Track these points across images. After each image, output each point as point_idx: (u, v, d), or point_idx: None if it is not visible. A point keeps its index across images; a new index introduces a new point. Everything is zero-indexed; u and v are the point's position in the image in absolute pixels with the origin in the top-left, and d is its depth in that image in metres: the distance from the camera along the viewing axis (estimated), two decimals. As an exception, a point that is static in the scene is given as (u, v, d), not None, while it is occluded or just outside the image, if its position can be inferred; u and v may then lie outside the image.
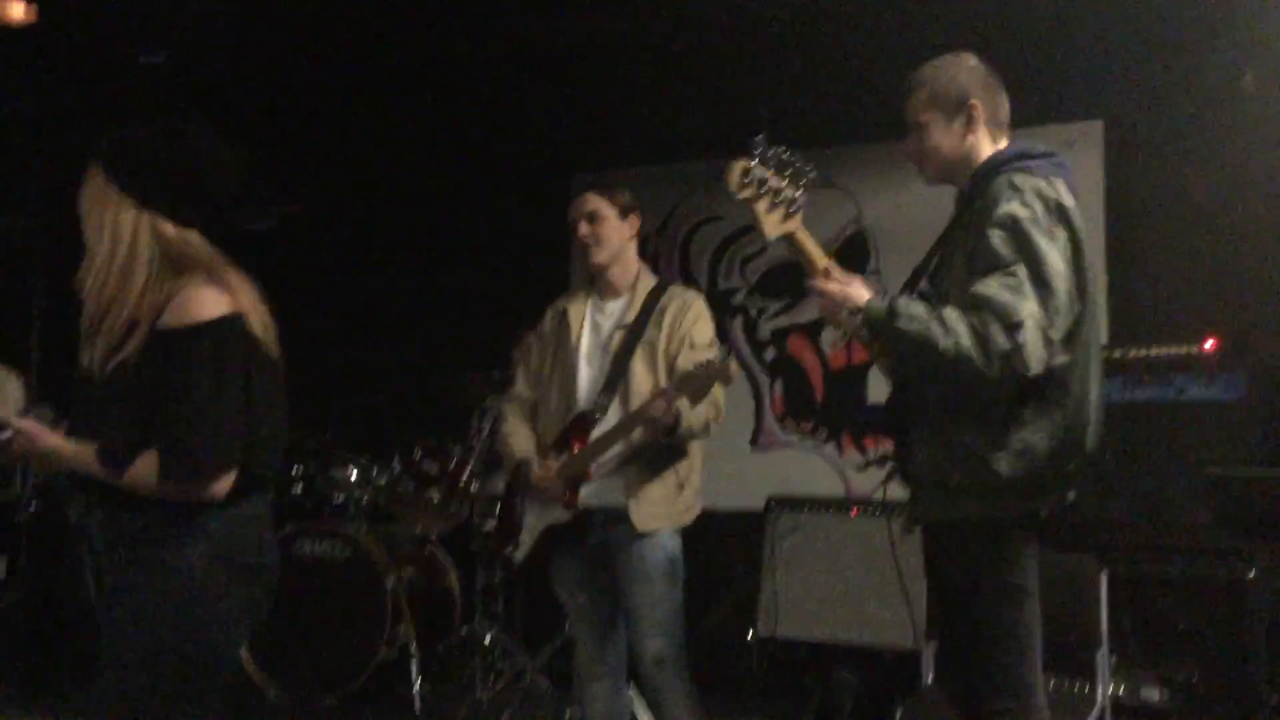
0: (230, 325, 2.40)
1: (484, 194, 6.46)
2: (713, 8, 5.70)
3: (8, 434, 2.43)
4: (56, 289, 6.95)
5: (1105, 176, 5.29)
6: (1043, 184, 2.72)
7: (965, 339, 2.57)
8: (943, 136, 2.88)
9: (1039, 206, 2.68)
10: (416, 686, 5.04)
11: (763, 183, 2.72)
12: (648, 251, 5.89)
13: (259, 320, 2.48)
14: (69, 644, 5.36)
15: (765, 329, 6.10)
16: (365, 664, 5.00)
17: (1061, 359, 2.69)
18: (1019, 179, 2.72)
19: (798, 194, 2.79)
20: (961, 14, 5.27)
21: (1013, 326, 2.56)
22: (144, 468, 2.35)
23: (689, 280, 6.18)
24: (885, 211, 5.77)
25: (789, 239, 2.84)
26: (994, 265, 2.63)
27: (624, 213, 3.72)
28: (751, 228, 6.23)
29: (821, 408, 5.97)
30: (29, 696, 5.36)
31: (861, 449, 5.84)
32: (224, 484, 2.38)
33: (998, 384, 2.61)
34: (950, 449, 2.71)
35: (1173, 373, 4.36)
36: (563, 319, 3.76)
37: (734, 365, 3.36)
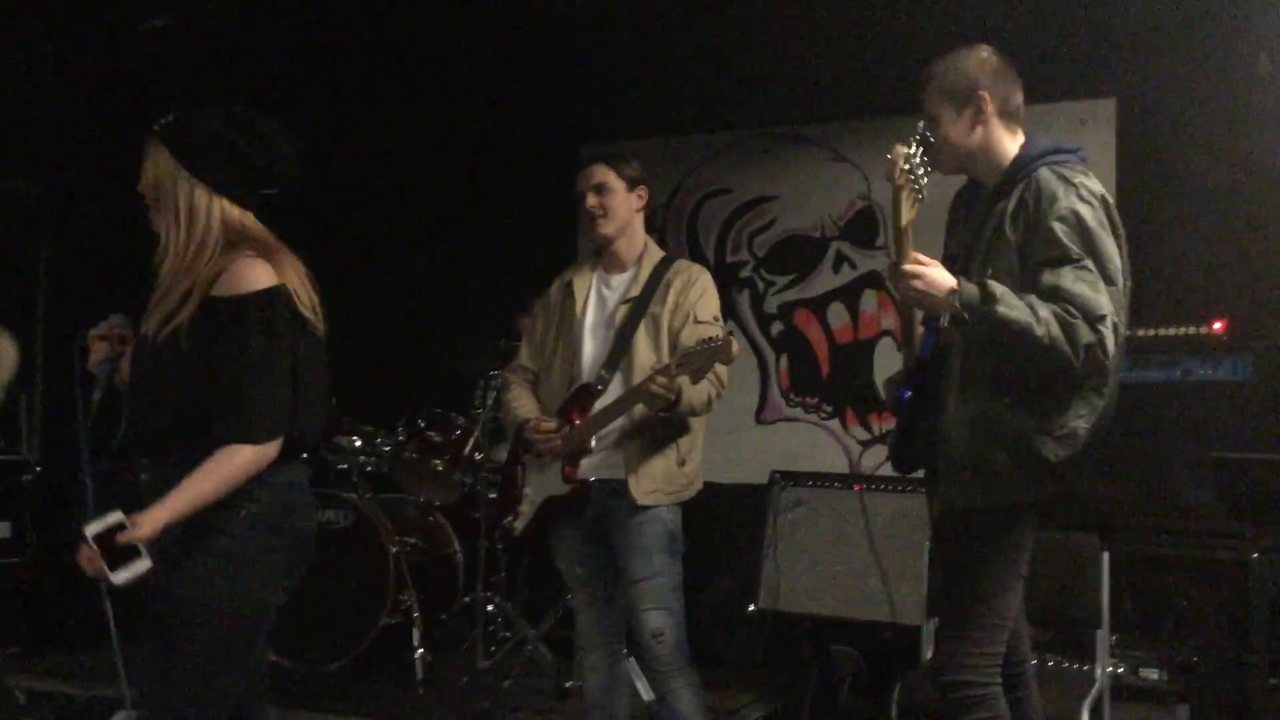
0: (276, 296, 2.53)
1: (492, 164, 6.44)
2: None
3: (143, 566, 2.45)
4: (61, 253, 6.97)
5: (1117, 155, 5.25)
6: (1092, 181, 2.80)
7: (1055, 328, 2.63)
8: (951, 127, 2.90)
9: (1097, 203, 2.76)
10: (418, 654, 5.05)
11: (913, 170, 2.69)
12: (655, 224, 5.89)
13: (306, 296, 2.61)
14: (73, 606, 5.38)
15: (772, 303, 6.09)
16: (367, 631, 5.02)
17: None
18: (1067, 173, 2.79)
19: (924, 181, 2.74)
20: (975, -11, 5.23)
21: (1097, 319, 2.65)
22: (224, 460, 2.46)
23: (696, 253, 6.17)
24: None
25: (906, 227, 2.77)
26: (1063, 258, 2.70)
27: (631, 184, 3.70)
28: (759, 201, 6.27)
29: (827, 383, 5.97)
30: (33, 658, 5.39)
31: (866, 425, 5.84)
32: (274, 447, 2.51)
33: (1079, 373, 2.69)
34: (996, 431, 2.75)
35: (1180, 354, 4.37)
36: (568, 291, 3.75)
37: (735, 343, 3.33)
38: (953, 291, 2.68)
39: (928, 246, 2.84)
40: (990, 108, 2.87)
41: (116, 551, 2.41)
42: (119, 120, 4.68)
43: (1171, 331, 4.45)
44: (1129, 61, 5.29)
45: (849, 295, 5.93)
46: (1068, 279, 2.67)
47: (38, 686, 4.95)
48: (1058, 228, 2.70)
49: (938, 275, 2.71)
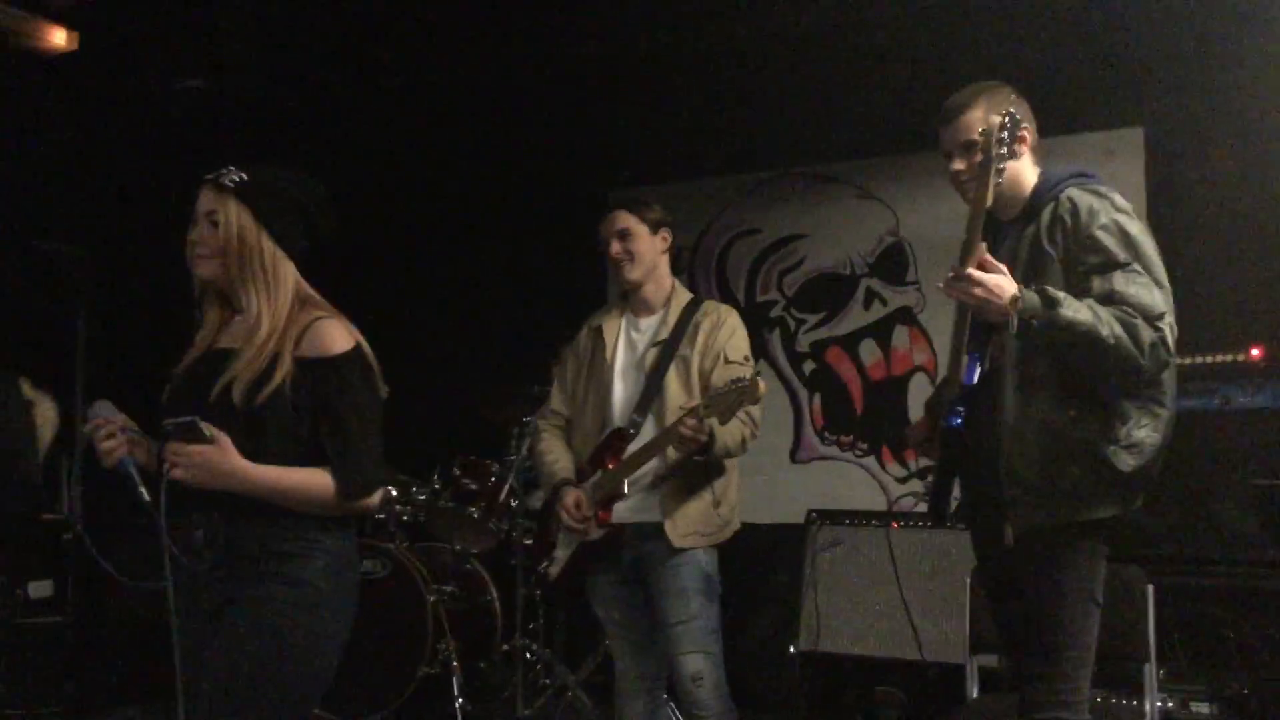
0: (365, 355, 2.61)
1: (523, 210, 6.48)
2: (749, 22, 5.69)
3: (211, 437, 2.46)
4: (101, 314, 7.04)
5: (1147, 183, 5.23)
6: (1121, 200, 2.82)
7: (1118, 327, 2.63)
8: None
9: (1133, 213, 2.80)
10: (459, 703, 5.03)
11: (1003, 145, 2.70)
12: (683, 265, 5.90)
13: (371, 354, 2.66)
14: (115, 665, 5.39)
15: (804, 341, 6.09)
16: (407, 681, 5.00)
17: None
18: (1100, 189, 2.82)
19: (1002, 171, 2.74)
20: (1000, 23, 5.24)
21: (1157, 318, 2.66)
22: (323, 484, 2.51)
23: (726, 293, 6.18)
24: (923, 222, 5.74)
25: (983, 210, 2.74)
26: (1111, 263, 2.72)
27: (655, 227, 3.71)
28: (788, 240, 6.27)
29: (861, 420, 5.94)
30: (75, 718, 5.39)
31: (902, 461, 5.80)
32: (380, 497, 2.68)
33: (1146, 372, 2.67)
34: (1066, 446, 2.73)
35: (1219, 381, 4.33)
36: (597, 336, 3.76)
37: (762, 383, 3.33)
38: (1016, 298, 2.65)
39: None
40: (1029, 141, 2.92)
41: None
42: (156, 181, 4.75)
43: (1209, 359, 4.42)
44: (1156, 90, 5.28)
45: (881, 332, 5.92)
46: (1120, 282, 2.68)
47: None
48: (1101, 235, 2.72)
49: (1001, 280, 2.67)
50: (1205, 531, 4.17)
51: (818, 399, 6.05)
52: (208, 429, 2.45)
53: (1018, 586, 2.87)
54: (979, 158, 2.78)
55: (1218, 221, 5.07)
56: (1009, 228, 2.94)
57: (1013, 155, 2.74)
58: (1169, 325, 2.67)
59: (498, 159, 6.49)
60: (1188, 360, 4.39)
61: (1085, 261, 2.73)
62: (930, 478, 3.07)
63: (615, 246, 3.67)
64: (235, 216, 2.58)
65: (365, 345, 2.62)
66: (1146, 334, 2.63)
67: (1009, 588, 2.93)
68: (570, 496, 3.58)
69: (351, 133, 6.53)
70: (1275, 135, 5.00)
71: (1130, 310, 2.64)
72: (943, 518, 3.05)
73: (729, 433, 3.45)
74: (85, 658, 5.79)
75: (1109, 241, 2.71)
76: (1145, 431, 2.72)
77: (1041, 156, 2.98)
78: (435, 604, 5.07)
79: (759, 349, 6.03)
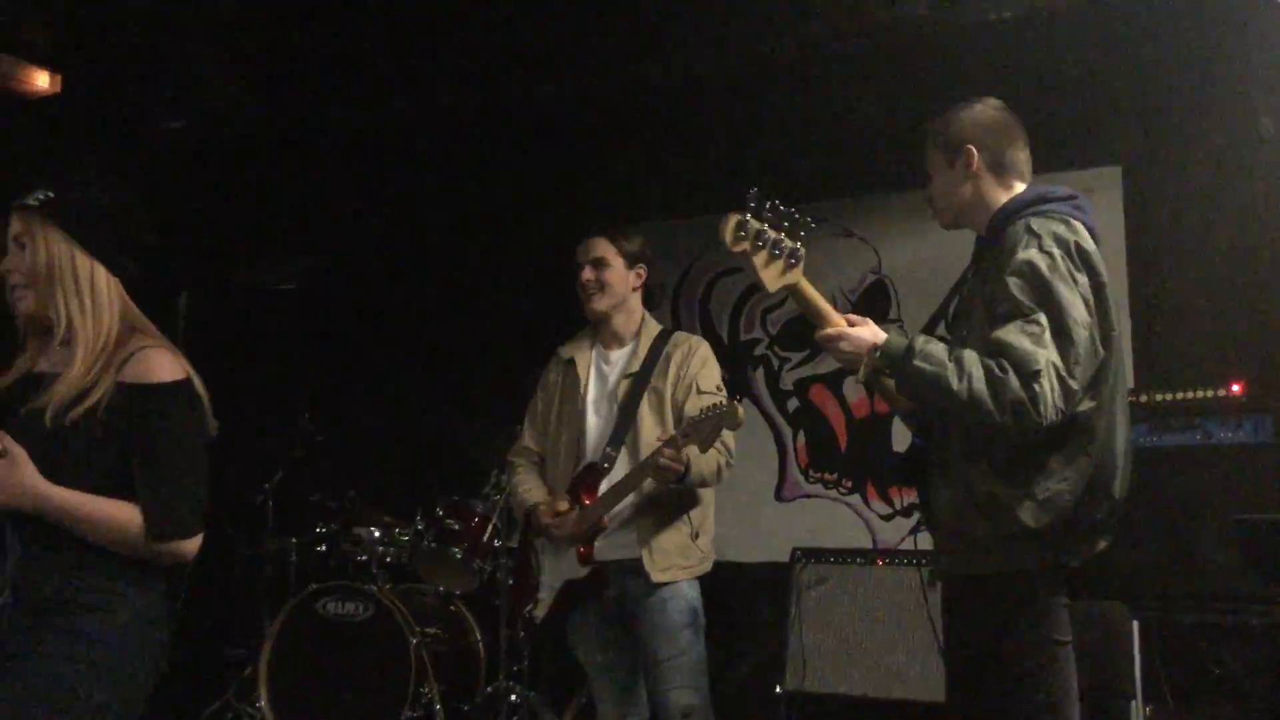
0: (193, 388, 2.45)
1: (507, 249, 6.48)
2: (732, 61, 5.74)
3: (2, 450, 2.31)
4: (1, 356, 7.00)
5: (1126, 221, 5.26)
6: (1061, 228, 2.68)
7: (979, 383, 2.52)
8: (944, 181, 2.89)
9: (1058, 252, 2.64)
10: (442, 747, 4.98)
11: (760, 234, 2.67)
12: (654, 303, 5.89)
13: (202, 390, 2.51)
14: None
15: (787, 379, 6.08)
16: (390, 724, 4.95)
17: (1087, 405, 2.64)
18: (1036, 223, 2.68)
19: (797, 245, 2.73)
20: (979, 62, 5.29)
21: (1030, 375, 2.51)
22: (128, 517, 2.35)
23: (709, 332, 6.18)
24: (905, 260, 5.76)
25: (792, 290, 2.77)
26: (1014, 313, 2.59)
27: (631, 261, 3.70)
28: (771, 280, 6.25)
29: (845, 458, 5.93)
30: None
31: (887, 499, 5.79)
32: (196, 544, 2.41)
33: (1007, 432, 2.55)
34: (974, 499, 2.66)
35: (1200, 417, 4.33)
36: (569, 368, 3.74)
37: (741, 410, 3.31)
38: (875, 347, 2.64)
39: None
40: (977, 161, 2.82)
41: None
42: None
43: (1190, 395, 4.41)
44: (1133, 129, 5.31)
45: (864, 370, 5.91)
46: (1011, 334, 2.56)
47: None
48: (1011, 282, 2.61)
49: (860, 333, 2.67)
50: (1189, 567, 4.17)
51: (802, 436, 6.04)
52: None
53: (954, 631, 2.82)
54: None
55: (1196, 258, 5.10)
56: (975, 252, 2.91)
57: (789, 240, 2.71)
58: (1050, 380, 2.51)
59: (483, 197, 6.49)
60: (1169, 396, 4.40)
61: (995, 309, 2.64)
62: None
63: (587, 273, 3.65)
64: (44, 237, 2.44)
65: (196, 379, 2.47)
66: (1012, 392, 2.49)
67: (947, 627, 2.88)
68: (545, 510, 3.56)
69: (334, 173, 6.54)
70: (1252, 173, 5.05)
71: (1005, 364, 2.52)
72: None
73: (705, 461, 3.43)
74: None
75: (1015, 288, 2.59)
76: (1065, 485, 2.60)
77: (1016, 175, 2.86)
78: (418, 646, 5.02)
79: (743, 387, 6.03)
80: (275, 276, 6.08)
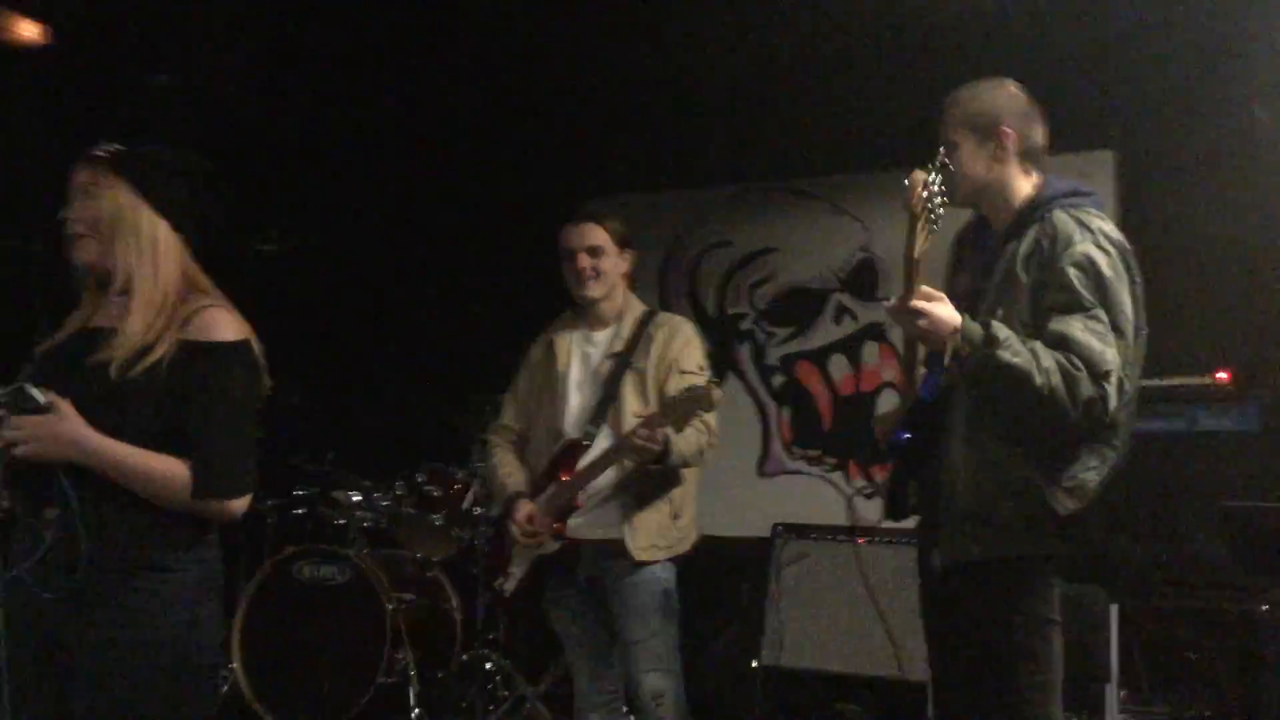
0: (253, 350, 2.47)
1: (492, 217, 6.42)
2: (723, 36, 5.67)
3: (48, 404, 2.29)
4: (59, 313, 6.94)
5: (1117, 206, 5.24)
6: (1109, 226, 2.72)
7: (1055, 377, 2.55)
8: (972, 159, 2.83)
9: (1114, 251, 2.68)
10: (415, 714, 4.96)
11: (931, 198, 2.60)
12: (640, 279, 5.85)
13: (259, 350, 2.52)
14: None
15: (773, 355, 6.06)
16: (364, 690, 4.91)
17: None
18: (1084, 217, 2.71)
19: (939, 215, 2.65)
20: (973, 43, 5.24)
21: (1102, 375, 2.56)
22: (176, 473, 2.36)
23: (697, 306, 6.16)
24: (895, 239, 5.57)
25: (918, 259, 2.68)
26: (1075, 305, 2.62)
27: (622, 246, 3.68)
28: (760, 253, 6.26)
29: (829, 435, 5.92)
30: None
31: (868, 477, 5.78)
32: (243, 505, 2.43)
33: (1073, 427, 2.60)
34: (1006, 483, 2.66)
35: (1186, 404, 4.33)
36: (549, 349, 3.73)
37: (717, 391, 3.31)
38: (956, 330, 2.61)
39: (930, 282, 2.75)
40: (1012, 145, 2.81)
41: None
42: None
43: (1177, 382, 4.41)
44: (1127, 113, 5.27)
45: (850, 347, 5.90)
46: (1077, 328, 2.59)
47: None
48: (1072, 273, 2.62)
49: (943, 312, 2.62)
50: (1171, 553, 4.17)
51: (786, 413, 6.02)
52: (40, 394, 2.29)
53: (952, 613, 2.81)
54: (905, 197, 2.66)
55: (1187, 244, 5.07)
56: (995, 236, 2.86)
57: (945, 204, 2.60)
58: (1115, 382, 2.57)
59: (468, 165, 6.43)
60: (1155, 382, 4.38)
61: (1051, 297, 2.64)
62: (885, 483, 3.01)
63: (584, 261, 3.62)
64: (109, 187, 2.44)
65: (255, 341, 2.48)
66: (1086, 389, 2.54)
67: (939, 608, 2.88)
68: (522, 511, 3.54)
69: (325, 136, 6.47)
70: (1245, 159, 5.02)
71: (1076, 362, 2.55)
72: (899, 520, 2.97)
73: (685, 440, 3.42)
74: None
75: (1076, 280, 2.61)
76: (1092, 474, 2.66)
77: (1035, 161, 2.86)
78: (394, 612, 5.00)
79: (729, 362, 6.01)
80: (258, 239, 6.04)
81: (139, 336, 2.37)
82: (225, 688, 5.08)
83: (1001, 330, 2.59)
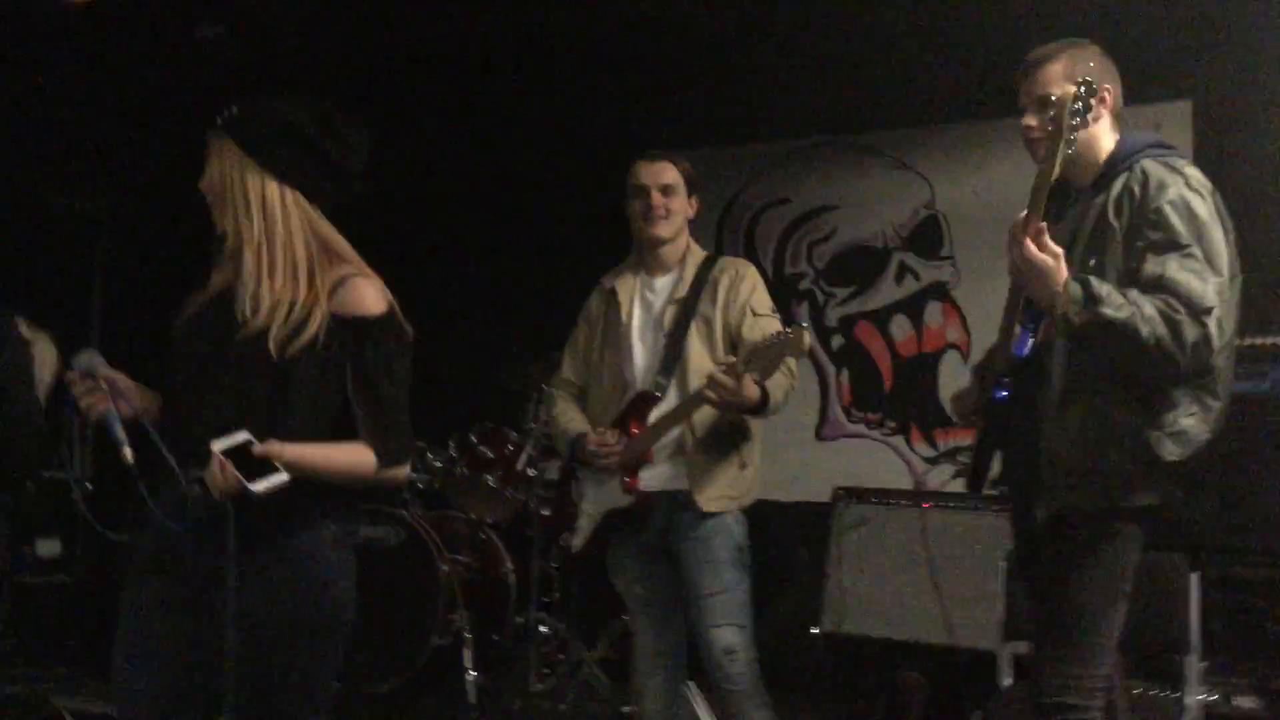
0: (400, 319, 2.44)
1: (546, 172, 6.34)
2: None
3: (280, 479, 2.25)
4: (117, 267, 6.94)
5: (1194, 158, 5.04)
6: (1198, 173, 2.69)
7: (1161, 326, 2.50)
8: None
9: (1207, 194, 2.65)
10: (470, 675, 4.91)
11: (1075, 116, 2.55)
12: (709, 234, 5.74)
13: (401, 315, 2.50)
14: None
15: (832, 315, 5.93)
16: (419, 652, 4.89)
17: None
18: (1174, 163, 2.69)
19: (1077, 139, 2.61)
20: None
21: (1201, 313, 2.50)
22: (362, 456, 2.35)
23: (753, 265, 6.02)
24: (960, 195, 5.57)
25: (1050, 186, 2.62)
26: (1171, 243, 2.57)
27: (692, 189, 3.59)
28: (819, 211, 6.12)
29: (890, 398, 5.79)
30: (82, 679, 5.30)
31: (931, 441, 5.65)
32: (408, 469, 2.54)
33: (1185, 371, 2.55)
34: (1109, 430, 2.62)
35: (1268, 364, 4.16)
36: (610, 298, 3.62)
37: (807, 335, 3.18)
38: (1060, 287, 2.56)
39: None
40: (1111, 103, 2.79)
41: (249, 466, 2.22)
42: (174, 134, 4.63)
43: (1258, 341, 4.25)
44: (1205, 63, 5.12)
45: (912, 307, 5.76)
46: (1173, 267, 2.54)
47: (87, 709, 4.86)
48: (1168, 210, 2.58)
49: (1049, 265, 2.57)
50: (1252, 520, 4.01)
51: (845, 375, 5.89)
52: (259, 448, 2.25)
53: (1046, 570, 2.78)
54: (1052, 115, 2.62)
55: (1266, 196, 4.89)
56: (1079, 195, 2.83)
57: (1084, 125, 2.59)
58: (1216, 320, 2.52)
59: (522, 120, 6.35)
60: (1237, 341, 4.21)
61: (1145, 236, 2.60)
62: (971, 448, 2.98)
63: (657, 199, 3.51)
64: (219, 153, 2.39)
65: (398, 308, 2.45)
66: (1191, 331, 2.49)
67: (1040, 567, 2.82)
68: (593, 439, 3.46)
69: (372, 87, 6.38)
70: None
71: (1175, 303, 2.50)
72: (979, 489, 2.95)
73: (777, 386, 3.31)
74: (93, 618, 5.71)
75: (1174, 219, 2.58)
76: (1193, 421, 2.61)
77: (1121, 122, 2.84)
78: (448, 574, 4.96)
79: (786, 323, 5.88)
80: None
81: (272, 309, 2.33)
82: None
83: (1102, 287, 2.55)
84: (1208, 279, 2.53)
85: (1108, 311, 2.51)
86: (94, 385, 2.35)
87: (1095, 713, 2.67)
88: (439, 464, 5.42)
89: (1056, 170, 2.59)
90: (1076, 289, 2.55)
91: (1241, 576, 3.94)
